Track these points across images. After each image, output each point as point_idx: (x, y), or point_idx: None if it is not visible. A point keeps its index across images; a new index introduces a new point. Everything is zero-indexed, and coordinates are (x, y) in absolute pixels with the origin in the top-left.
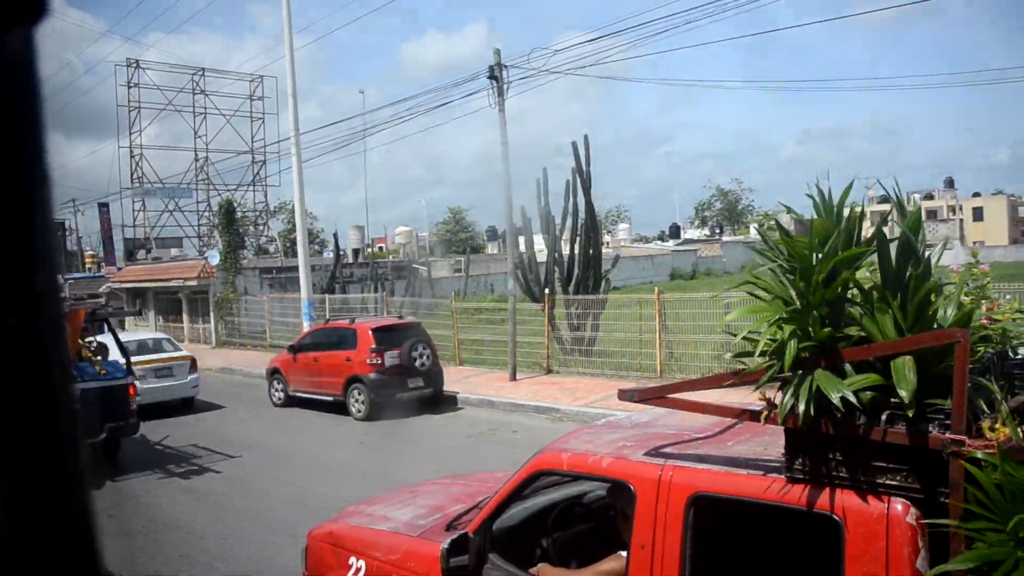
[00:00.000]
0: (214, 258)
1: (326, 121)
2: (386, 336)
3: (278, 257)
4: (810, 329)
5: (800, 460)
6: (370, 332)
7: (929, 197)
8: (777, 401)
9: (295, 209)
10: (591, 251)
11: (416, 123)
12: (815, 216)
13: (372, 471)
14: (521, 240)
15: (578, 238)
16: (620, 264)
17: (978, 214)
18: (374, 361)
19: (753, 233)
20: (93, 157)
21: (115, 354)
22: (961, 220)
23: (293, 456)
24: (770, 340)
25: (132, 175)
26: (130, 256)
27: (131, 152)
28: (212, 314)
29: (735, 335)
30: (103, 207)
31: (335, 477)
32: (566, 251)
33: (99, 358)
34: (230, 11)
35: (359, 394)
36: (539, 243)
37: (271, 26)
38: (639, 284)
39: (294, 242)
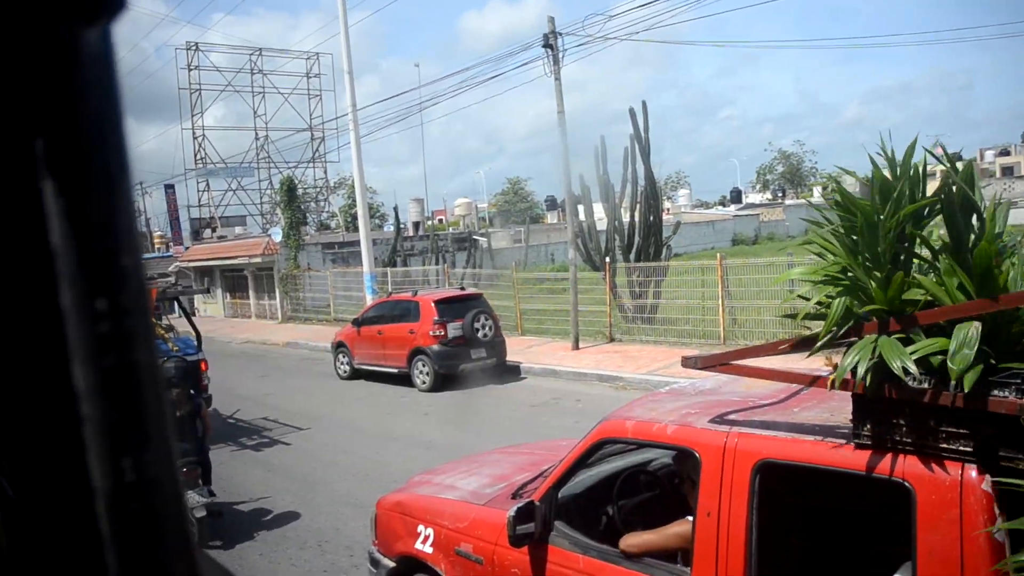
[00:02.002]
0: (277, 235)
1: (384, 95)
2: (448, 308)
3: (339, 232)
4: (872, 291)
5: (868, 426)
6: (432, 304)
7: (1005, 153)
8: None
9: (355, 184)
10: (651, 218)
11: (473, 95)
12: (875, 176)
13: (438, 441)
14: (580, 209)
15: (638, 205)
16: (681, 230)
17: None
18: (437, 333)
19: (817, 196)
20: (159, 140)
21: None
22: None
23: (360, 428)
24: (827, 298)
25: (196, 156)
26: (196, 236)
27: (194, 134)
28: (277, 290)
29: (794, 294)
30: (169, 189)
31: (401, 448)
32: (626, 219)
33: (171, 335)
34: None
35: (423, 365)
36: (599, 211)
37: (328, 2)
38: (700, 250)
39: (355, 217)
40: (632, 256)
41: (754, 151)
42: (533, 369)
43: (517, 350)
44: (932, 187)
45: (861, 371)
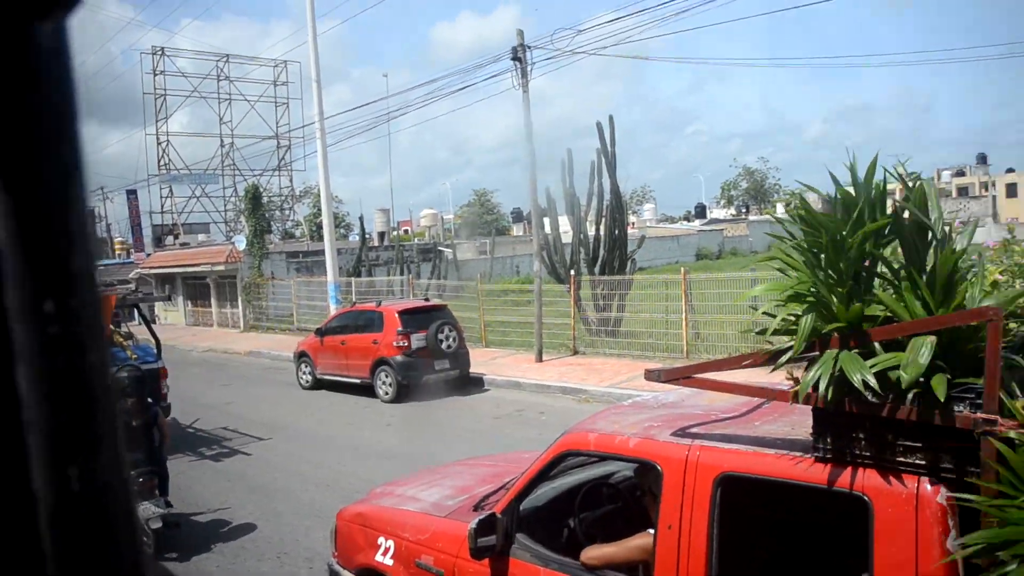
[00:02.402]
0: (241, 243)
1: (352, 104)
2: (412, 319)
3: (304, 241)
4: (835, 308)
5: (828, 439)
6: (396, 315)
7: (960, 174)
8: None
9: (320, 193)
10: (616, 232)
11: (441, 106)
12: (838, 192)
13: (400, 452)
14: (546, 221)
15: (603, 219)
16: (646, 244)
17: (1012, 191)
18: (401, 344)
19: (780, 212)
20: (121, 145)
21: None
22: (994, 197)
23: (322, 438)
24: (793, 316)
25: (159, 162)
26: (158, 242)
27: (158, 139)
28: (240, 298)
29: (758, 310)
30: (131, 194)
31: (363, 459)
32: (591, 232)
33: (129, 343)
34: None
35: (386, 376)
36: (564, 224)
37: (297, 9)
38: (665, 264)
39: (320, 226)
40: (597, 269)
41: (719, 167)
42: (497, 381)
43: (481, 362)
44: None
45: (823, 386)
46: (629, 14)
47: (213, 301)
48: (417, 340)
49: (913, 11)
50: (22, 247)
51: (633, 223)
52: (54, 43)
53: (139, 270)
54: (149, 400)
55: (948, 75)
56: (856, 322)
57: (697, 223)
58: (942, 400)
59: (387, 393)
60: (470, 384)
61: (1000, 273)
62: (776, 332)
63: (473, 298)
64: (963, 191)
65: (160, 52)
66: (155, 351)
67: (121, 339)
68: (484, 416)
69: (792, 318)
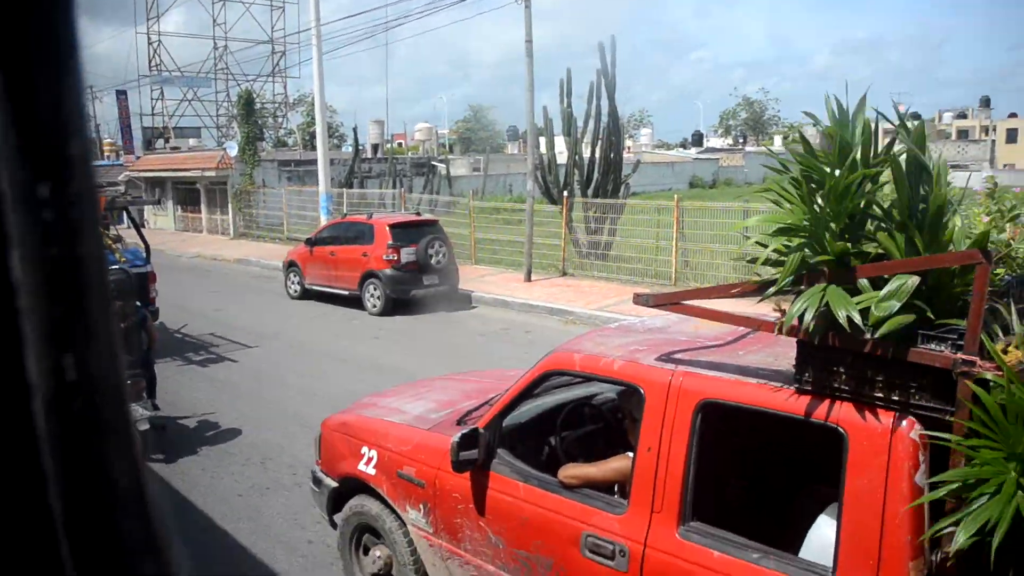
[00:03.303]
0: (232, 149)
1: (351, 10)
2: (403, 233)
3: (296, 150)
4: (827, 243)
5: (809, 372)
6: (387, 228)
7: (962, 116)
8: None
9: (315, 102)
10: (612, 155)
11: (442, 17)
12: (832, 132)
13: (386, 365)
14: (542, 141)
15: (600, 141)
16: (640, 170)
17: (1012, 136)
18: (390, 257)
19: (777, 144)
20: (111, 43)
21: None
22: (993, 142)
23: (308, 348)
24: (784, 247)
25: (150, 63)
26: (148, 145)
27: (148, 39)
28: (230, 205)
29: (750, 240)
30: (121, 95)
31: (350, 370)
32: (587, 154)
33: (119, 246)
34: None
35: (375, 289)
36: (560, 145)
37: None
38: (658, 191)
39: (313, 135)
40: (590, 192)
41: (720, 96)
42: (484, 299)
43: (470, 279)
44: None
45: (808, 318)
46: None
47: (203, 207)
48: (407, 254)
49: None
50: (16, 127)
51: (629, 147)
52: None
53: (129, 173)
54: (137, 303)
55: (965, 13)
56: (846, 258)
57: (693, 151)
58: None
59: (375, 306)
60: (458, 300)
61: (987, 215)
62: (766, 262)
63: (465, 215)
64: (963, 134)
65: None
66: (144, 255)
67: (110, 241)
68: (471, 333)
69: (784, 249)
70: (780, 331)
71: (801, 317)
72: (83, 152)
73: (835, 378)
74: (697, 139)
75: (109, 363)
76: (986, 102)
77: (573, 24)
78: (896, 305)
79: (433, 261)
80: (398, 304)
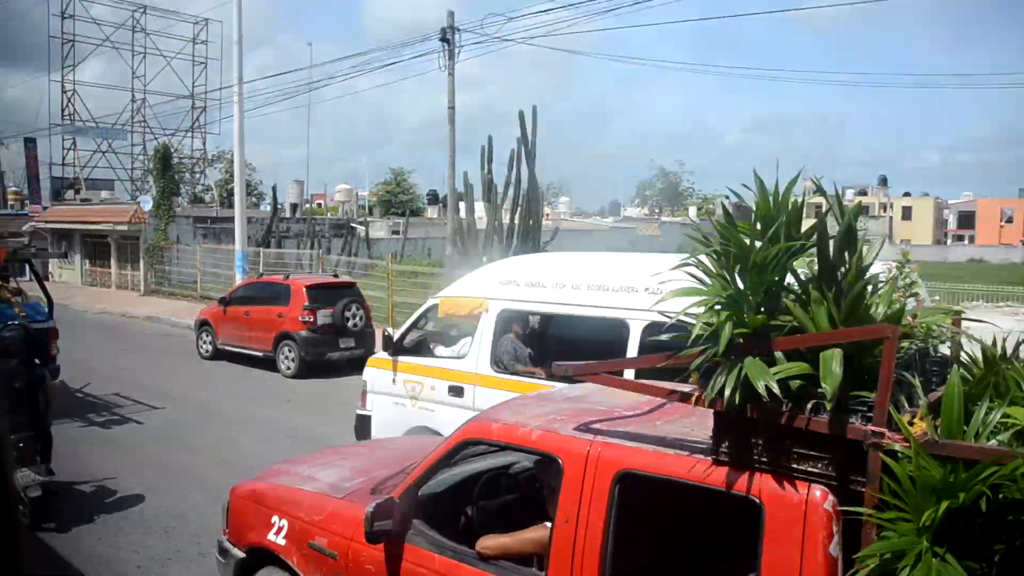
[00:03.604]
0: (147, 203)
1: (275, 70)
2: (320, 294)
3: (213, 207)
4: (745, 316)
5: (726, 443)
6: (304, 289)
7: (863, 193)
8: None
9: (234, 158)
10: (531, 222)
11: (366, 80)
12: (756, 202)
13: (299, 430)
14: (462, 206)
15: (519, 208)
16: (559, 237)
17: (907, 213)
18: (306, 319)
19: (692, 215)
20: (20, 90)
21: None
22: (891, 218)
23: (219, 410)
24: (706, 324)
25: (63, 111)
26: (56, 196)
27: (63, 87)
28: (142, 261)
29: (670, 318)
30: (30, 142)
31: (261, 434)
32: (506, 220)
33: (18, 299)
34: None
35: (289, 351)
36: (479, 210)
37: None
38: None
39: (231, 192)
40: (510, 256)
41: (636, 167)
42: None
43: None
44: (808, 222)
45: (728, 390)
46: (560, 7)
47: (113, 262)
48: (323, 316)
49: (835, 33)
50: None
51: (548, 215)
52: None
53: (34, 223)
54: (36, 361)
55: (861, 98)
56: (763, 331)
57: (610, 220)
58: (840, 412)
59: (289, 368)
60: None
61: (897, 289)
62: (698, 339)
63: (383, 277)
64: (864, 210)
65: None
66: (46, 309)
67: (9, 295)
68: None
69: (710, 324)
70: (696, 402)
71: (721, 389)
72: None
73: (752, 449)
74: (614, 208)
75: None
76: (884, 181)
77: (495, 93)
78: (840, 375)
79: (350, 324)
80: (313, 367)
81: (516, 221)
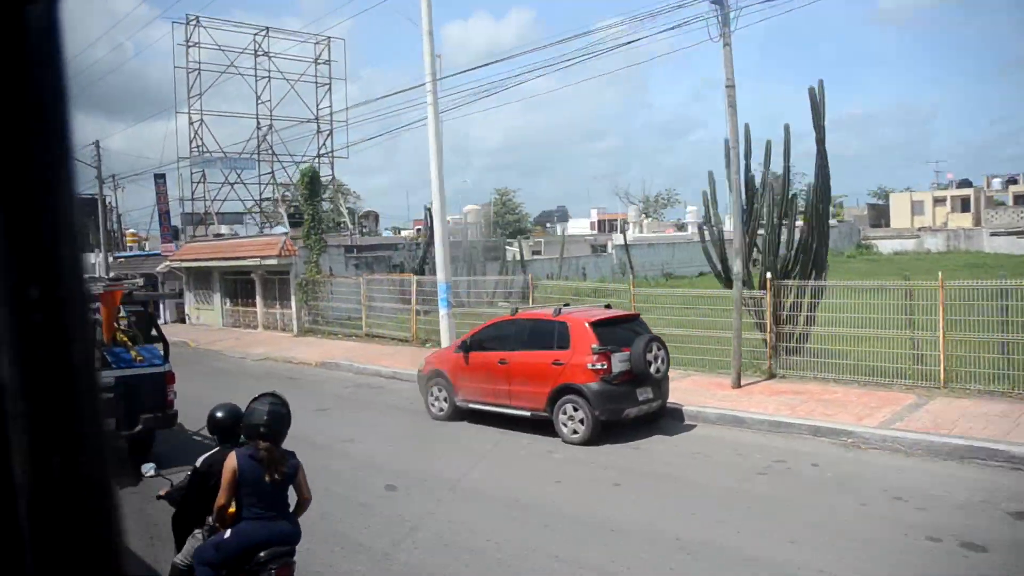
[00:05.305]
0: (280, 230)
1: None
2: (607, 332)
3: (347, 235)
4: None
5: None
6: (587, 326)
7: (1013, 181)
8: None
9: (431, 170)
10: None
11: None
12: None
13: (625, 524)
14: (690, 213)
15: (795, 212)
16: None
17: None
18: (598, 366)
19: None
20: (149, 131)
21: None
22: None
23: (495, 496)
24: None
25: (191, 144)
26: (177, 234)
27: (189, 118)
28: (294, 298)
29: None
30: (160, 179)
31: (568, 531)
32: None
33: (135, 344)
34: None
35: (575, 409)
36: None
37: None
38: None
39: (364, 218)
40: (795, 274)
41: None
42: (703, 413)
43: None
44: None
45: None
46: None
47: (259, 299)
48: (619, 362)
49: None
50: (6, 231)
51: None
52: (43, 24)
53: (169, 263)
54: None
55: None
56: None
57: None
58: None
59: (575, 432)
60: (666, 419)
61: None
62: None
63: (625, 300)
64: (1020, 199)
65: (195, 22)
66: (162, 353)
67: (125, 338)
68: (728, 468)
69: None
70: None
71: None
72: (72, 257)
73: None
74: None
75: (96, 465)
76: None
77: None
78: None
79: (652, 369)
80: (605, 428)
81: (801, 230)
